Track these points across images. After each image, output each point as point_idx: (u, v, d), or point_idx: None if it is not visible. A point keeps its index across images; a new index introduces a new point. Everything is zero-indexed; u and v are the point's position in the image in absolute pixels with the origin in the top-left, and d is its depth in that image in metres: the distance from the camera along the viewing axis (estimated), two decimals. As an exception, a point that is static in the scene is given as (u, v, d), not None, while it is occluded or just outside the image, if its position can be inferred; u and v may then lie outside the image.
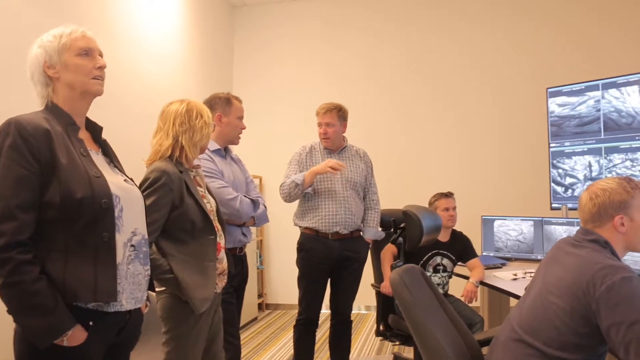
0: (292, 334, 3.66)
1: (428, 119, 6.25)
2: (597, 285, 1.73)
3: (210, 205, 2.38)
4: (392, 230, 3.54)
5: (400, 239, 2.52)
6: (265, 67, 6.62)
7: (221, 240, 2.40)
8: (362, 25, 6.44)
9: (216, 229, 2.35)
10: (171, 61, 5.15)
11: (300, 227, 3.65)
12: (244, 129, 3.17)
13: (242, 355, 4.56)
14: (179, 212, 2.12)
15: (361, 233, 3.67)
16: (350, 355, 4.48)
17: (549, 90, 4.91)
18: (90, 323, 1.64)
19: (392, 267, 2.11)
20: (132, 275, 1.76)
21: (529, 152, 5.80)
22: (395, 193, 5.37)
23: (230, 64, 6.64)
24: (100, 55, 1.82)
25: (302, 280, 3.61)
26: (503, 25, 6.12)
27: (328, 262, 3.55)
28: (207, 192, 2.48)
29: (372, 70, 6.39)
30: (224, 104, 3.10)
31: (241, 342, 4.91)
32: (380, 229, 3.77)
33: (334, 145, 3.69)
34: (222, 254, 2.39)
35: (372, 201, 3.76)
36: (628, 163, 4.37)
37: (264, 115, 6.46)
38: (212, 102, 3.12)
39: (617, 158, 4.44)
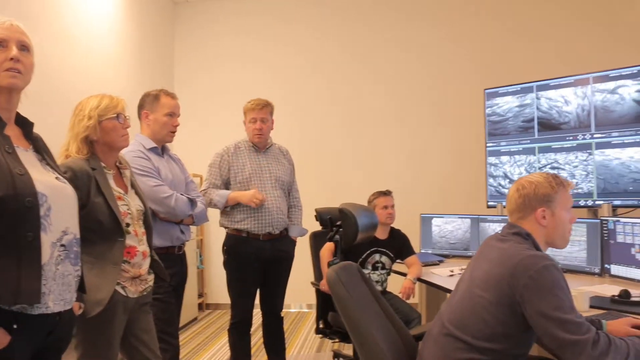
0: (227, 338, 3.62)
1: (368, 117, 6.31)
2: (520, 275, 1.80)
3: (128, 207, 2.31)
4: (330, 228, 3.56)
5: (337, 236, 2.53)
6: (207, 64, 6.52)
7: (140, 245, 2.34)
8: (304, 21, 6.43)
9: (134, 233, 2.30)
10: (106, 57, 4.98)
11: (228, 228, 3.59)
12: (176, 125, 3.09)
13: (181, 355, 4.51)
14: (85, 211, 2.05)
15: (287, 231, 3.67)
16: (290, 354, 4.50)
17: (486, 91, 5.04)
18: (15, 326, 1.58)
19: (329, 265, 2.12)
20: (61, 276, 1.71)
21: (467, 151, 5.94)
22: (335, 191, 5.41)
23: (171, 61, 6.52)
24: (26, 47, 1.75)
25: (233, 283, 3.57)
26: (444, 26, 6.24)
27: (259, 263, 3.53)
28: (135, 193, 2.42)
29: (314, 66, 6.40)
30: (151, 101, 3.04)
31: (180, 343, 4.88)
32: (321, 227, 3.79)
33: (263, 142, 3.66)
34: (139, 259, 2.32)
35: (296, 199, 3.79)
36: (556, 164, 4.54)
37: (206, 113, 6.38)
38: (141, 100, 3.08)
39: (549, 158, 4.60)
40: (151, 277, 2.44)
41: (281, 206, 3.60)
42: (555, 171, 4.48)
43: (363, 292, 2.18)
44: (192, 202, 3.04)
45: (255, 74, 6.40)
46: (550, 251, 3.53)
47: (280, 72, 6.41)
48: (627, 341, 1.79)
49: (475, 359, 1.85)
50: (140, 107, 3.07)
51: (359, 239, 2.39)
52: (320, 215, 3.76)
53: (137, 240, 2.31)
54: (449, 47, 6.22)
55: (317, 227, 3.83)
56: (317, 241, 3.80)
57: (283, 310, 3.78)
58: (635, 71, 4.19)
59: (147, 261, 2.38)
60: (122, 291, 2.24)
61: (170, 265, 2.89)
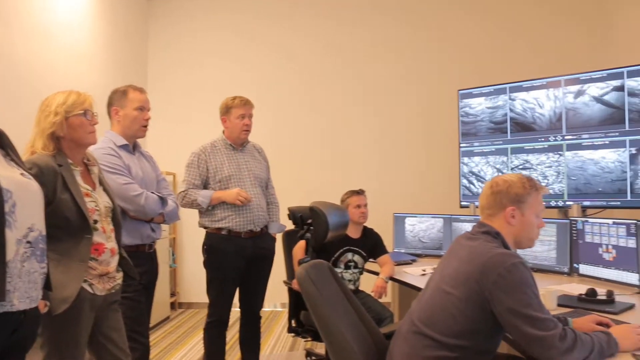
0: (203, 336, 3.59)
1: (342, 117, 6.32)
2: (489, 273, 1.82)
3: (96, 204, 2.28)
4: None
5: (308, 234, 2.53)
6: (181, 61, 6.45)
7: (109, 242, 2.31)
8: (279, 18, 6.39)
9: (102, 229, 2.28)
10: (77, 52, 4.88)
11: (208, 228, 3.55)
12: (147, 119, 3.04)
13: (152, 355, 4.48)
14: (51, 208, 2.02)
15: (266, 228, 3.67)
16: (263, 353, 4.49)
17: (460, 92, 5.09)
18: None
19: (300, 263, 2.12)
20: (26, 273, 1.68)
21: (441, 151, 5.98)
22: (309, 190, 5.38)
23: (144, 57, 6.44)
24: None
25: (213, 283, 3.54)
26: (420, 26, 6.29)
27: (241, 261, 3.51)
28: (103, 190, 2.39)
29: (289, 64, 6.37)
30: (119, 97, 3.00)
31: (152, 342, 4.83)
32: (294, 226, 3.78)
33: (246, 139, 3.66)
34: (107, 256, 2.29)
35: (272, 195, 3.79)
36: (528, 164, 4.60)
37: (180, 110, 6.31)
38: (110, 97, 3.04)
39: (521, 159, 4.66)
40: (120, 274, 2.42)
41: (261, 203, 3.60)
42: (527, 172, 4.54)
43: (334, 290, 2.17)
44: (163, 201, 3.01)
45: (230, 72, 6.35)
46: (521, 250, 3.59)
47: (255, 70, 6.37)
48: (592, 336, 1.84)
49: (443, 356, 1.86)
50: (109, 104, 3.03)
51: (329, 237, 2.40)
52: (293, 214, 3.73)
53: (105, 237, 2.28)
54: (424, 48, 6.27)
55: (290, 226, 3.81)
56: (290, 240, 3.80)
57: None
58: (605, 75, 4.27)
59: (116, 259, 2.35)
60: (89, 289, 2.21)
61: (141, 264, 2.86)
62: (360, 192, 3.80)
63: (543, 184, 4.44)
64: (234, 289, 3.59)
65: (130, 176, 2.90)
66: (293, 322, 3.64)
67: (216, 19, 6.45)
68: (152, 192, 2.97)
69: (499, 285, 1.80)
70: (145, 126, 3.05)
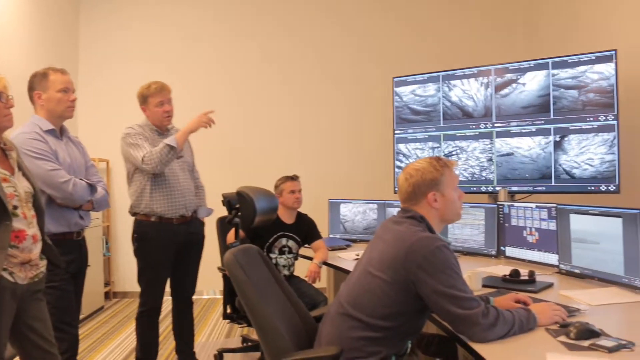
0: (135, 326, 3.53)
1: (277, 103, 6.29)
2: (414, 256, 1.87)
3: (15, 189, 2.20)
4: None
5: (237, 219, 2.52)
6: (113, 46, 6.25)
7: (30, 228, 2.24)
8: (205, 6, 6.27)
9: (23, 215, 2.20)
10: (1, 36, 4.68)
11: (139, 214, 3.46)
12: (72, 100, 2.93)
13: (86, 345, 4.40)
14: None
15: (195, 213, 3.63)
16: (199, 340, 4.47)
17: (395, 79, 5.16)
18: None
19: (228, 248, 2.12)
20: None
21: (376, 138, 6.05)
22: (243, 176, 5.33)
23: (76, 43, 6.21)
24: None
25: (145, 272, 3.47)
26: (355, 11, 6.31)
27: (173, 248, 3.47)
28: (23, 175, 2.31)
29: (219, 54, 6.27)
30: (40, 80, 2.87)
31: (85, 332, 4.74)
32: (228, 212, 3.76)
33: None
34: (28, 243, 2.22)
35: (198, 179, 3.75)
36: (460, 151, 4.72)
37: (112, 95, 6.14)
38: (30, 82, 2.91)
39: (453, 145, 4.78)
40: (44, 262, 2.35)
41: (191, 188, 3.57)
42: (454, 157, 4.67)
43: (264, 275, 2.18)
44: (92, 188, 2.93)
45: (161, 58, 6.19)
46: (452, 234, 3.70)
47: (185, 57, 6.22)
48: (513, 313, 1.94)
49: (369, 336, 1.91)
50: (30, 89, 2.89)
51: (257, 221, 2.39)
52: (228, 200, 3.73)
53: (26, 224, 2.21)
54: (361, 34, 6.29)
55: (224, 212, 3.79)
56: (224, 226, 3.77)
57: (194, 296, 3.74)
58: (532, 65, 4.42)
59: (38, 245, 2.28)
60: (9, 277, 2.14)
61: (68, 252, 2.80)
62: (294, 178, 3.82)
63: (475, 170, 4.61)
64: (166, 277, 3.54)
65: (57, 162, 2.81)
66: (228, 308, 3.62)
67: (147, 7, 6.28)
68: (81, 179, 2.89)
69: (423, 268, 1.86)
70: (72, 107, 2.94)
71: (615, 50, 4.04)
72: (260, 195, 2.43)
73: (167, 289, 3.57)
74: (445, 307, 1.85)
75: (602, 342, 1.79)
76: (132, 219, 3.52)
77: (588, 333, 1.85)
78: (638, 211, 2.52)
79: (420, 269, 1.86)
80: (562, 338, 1.86)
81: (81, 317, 4.93)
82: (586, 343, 1.80)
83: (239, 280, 1.97)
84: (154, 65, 6.05)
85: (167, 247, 3.44)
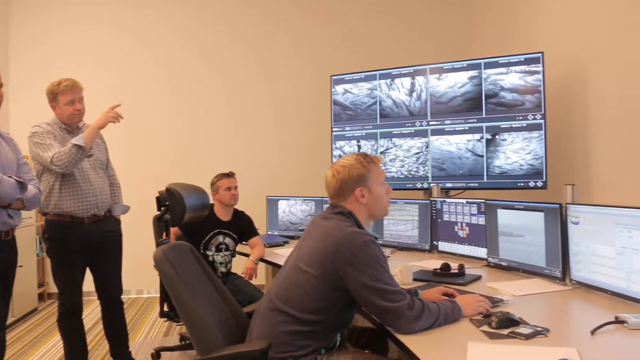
0: (58, 329, 3.43)
1: (215, 102, 6.23)
2: (342, 251, 1.91)
3: None
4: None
5: (168, 216, 2.51)
6: (46, 34, 6.04)
7: None
8: (135, 4, 6.17)
9: None
10: None
11: (49, 214, 3.36)
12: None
13: (18, 348, 4.27)
14: None
15: (109, 212, 3.55)
16: (137, 340, 4.41)
17: (333, 77, 5.21)
18: None
19: (159, 244, 2.11)
20: None
21: (315, 135, 6.07)
22: (181, 175, 5.28)
23: (5, 31, 6.00)
24: None
25: (59, 272, 3.37)
26: (294, 10, 6.32)
27: (86, 247, 3.38)
28: None
29: (155, 51, 6.16)
30: None
31: (17, 335, 4.60)
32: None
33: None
34: None
35: (113, 177, 3.67)
36: (396, 149, 4.81)
37: (44, 91, 5.94)
38: None
39: (390, 143, 4.87)
40: None
41: (104, 187, 3.48)
42: (391, 154, 4.76)
43: (195, 271, 2.18)
44: (22, 185, 2.84)
45: (91, 56, 6.04)
46: (387, 230, 3.76)
47: (113, 52, 6.07)
48: (438, 305, 2.00)
49: (299, 330, 1.94)
50: None
51: (187, 218, 2.39)
52: (157, 197, 3.67)
53: None
54: (301, 32, 6.31)
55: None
56: (160, 224, 3.72)
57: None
58: (465, 65, 4.56)
59: None
60: None
61: None
62: (230, 175, 3.81)
63: (411, 167, 4.71)
64: (82, 275, 3.45)
65: None
66: (165, 306, 3.58)
67: (78, 8, 6.10)
68: (10, 177, 2.80)
69: (351, 263, 1.90)
70: None
71: (542, 52, 4.21)
72: (190, 191, 2.42)
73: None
74: (372, 301, 1.90)
75: (520, 329, 1.87)
76: None
77: (508, 322, 1.93)
78: (558, 206, 2.65)
79: (347, 264, 1.90)
80: (485, 327, 1.94)
81: (12, 319, 4.83)
82: (506, 331, 1.88)
83: (168, 276, 1.96)
84: (87, 65, 5.91)
85: (79, 247, 3.35)
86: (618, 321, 1.92)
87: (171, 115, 6.11)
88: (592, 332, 1.84)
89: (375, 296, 1.89)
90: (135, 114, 5.78)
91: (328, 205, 2.18)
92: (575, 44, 4.25)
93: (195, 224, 3.48)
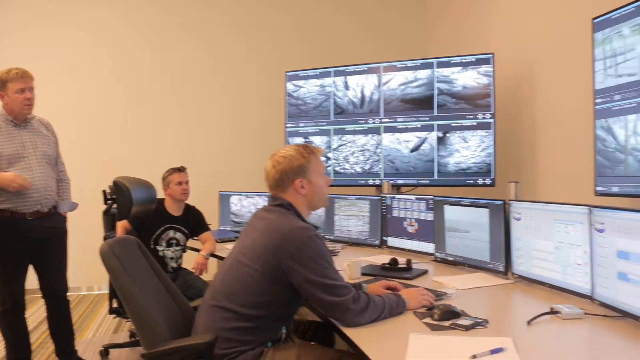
0: (0, 328, 3.33)
1: (167, 97, 6.11)
2: (286, 247, 1.92)
3: None
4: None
5: (114, 209, 2.49)
6: (10, 44, 5.87)
7: None
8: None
9: None
10: None
11: None
12: None
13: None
14: None
15: (55, 209, 3.44)
16: (85, 337, 4.34)
17: (288, 73, 5.23)
18: None
19: (105, 238, 2.09)
20: None
21: (269, 130, 6.01)
22: (131, 169, 5.21)
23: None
24: None
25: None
26: (250, 5, 6.29)
27: (28, 243, 3.27)
28: None
29: (101, 38, 5.99)
30: None
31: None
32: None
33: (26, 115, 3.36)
34: None
35: (62, 172, 3.55)
36: (350, 145, 4.86)
37: None
38: None
39: (343, 140, 4.91)
40: None
41: (49, 183, 3.35)
42: (344, 151, 4.81)
43: (141, 266, 2.17)
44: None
45: (45, 46, 5.86)
46: (338, 225, 3.80)
47: (70, 45, 5.90)
48: (383, 298, 2.04)
49: (242, 326, 1.93)
50: None
51: (135, 211, 2.38)
52: (103, 191, 3.60)
53: None
54: (257, 27, 6.28)
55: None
56: (108, 219, 3.66)
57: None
58: (418, 64, 4.64)
59: None
60: None
61: None
62: (181, 170, 3.79)
63: (364, 164, 4.76)
64: (24, 272, 3.35)
65: None
66: (115, 302, 3.53)
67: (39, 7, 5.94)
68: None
69: (295, 258, 1.91)
70: None
71: (492, 53, 4.32)
72: (137, 185, 2.41)
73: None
74: (318, 295, 1.91)
75: (461, 321, 1.93)
76: None
77: (450, 314, 1.99)
78: (502, 202, 2.73)
79: (291, 259, 1.91)
80: (427, 320, 1.99)
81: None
82: (447, 323, 1.93)
83: (114, 269, 1.95)
84: (42, 61, 5.73)
85: (20, 243, 3.24)
86: (553, 312, 2.00)
87: (122, 108, 5.98)
88: (529, 323, 1.92)
89: (320, 291, 1.91)
90: (85, 106, 5.69)
91: (269, 197, 2.18)
92: (523, 47, 4.39)
93: (146, 218, 3.45)
